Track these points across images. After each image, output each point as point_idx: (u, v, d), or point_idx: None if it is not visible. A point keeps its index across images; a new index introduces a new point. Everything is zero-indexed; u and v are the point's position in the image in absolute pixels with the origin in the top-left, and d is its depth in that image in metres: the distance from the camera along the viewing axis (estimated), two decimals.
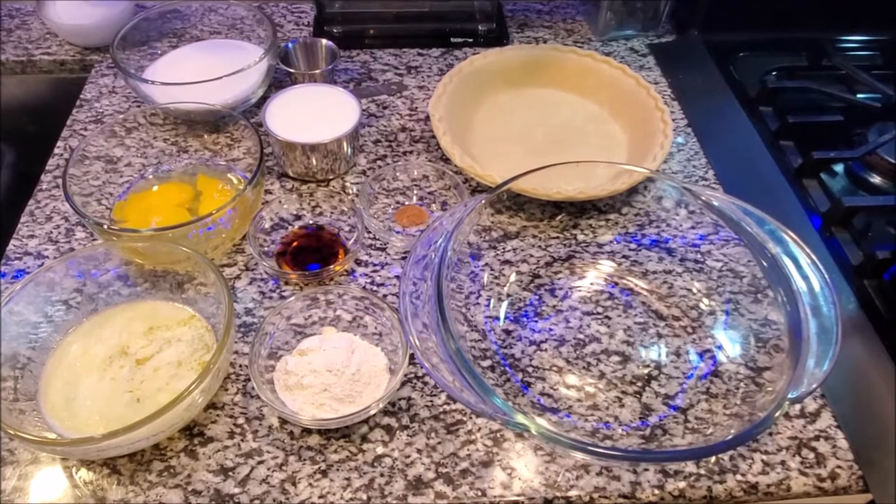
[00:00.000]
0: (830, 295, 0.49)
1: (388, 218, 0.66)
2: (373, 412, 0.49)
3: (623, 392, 0.53)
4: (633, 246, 0.63)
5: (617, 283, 0.61)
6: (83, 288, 0.54)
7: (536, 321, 0.58)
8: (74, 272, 0.53)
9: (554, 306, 0.59)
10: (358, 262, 0.61)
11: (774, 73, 0.84)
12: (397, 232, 0.64)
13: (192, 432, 0.50)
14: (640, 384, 0.54)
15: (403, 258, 0.62)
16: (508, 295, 0.60)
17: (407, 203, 0.67)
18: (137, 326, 0.53)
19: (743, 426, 0.46)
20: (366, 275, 0.60)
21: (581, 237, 0.64)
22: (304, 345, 0.52)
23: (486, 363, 0.54)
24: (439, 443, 0.50)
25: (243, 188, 0.57)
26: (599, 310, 0.59)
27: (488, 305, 0.59)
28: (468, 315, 0.57)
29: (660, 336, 0.57)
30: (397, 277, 0.60)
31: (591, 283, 0.61)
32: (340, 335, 0.53)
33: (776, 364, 0.51)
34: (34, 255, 0.61)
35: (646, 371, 0.54)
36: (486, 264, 0.61)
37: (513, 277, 0.61)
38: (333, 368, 0.50)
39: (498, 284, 0.60)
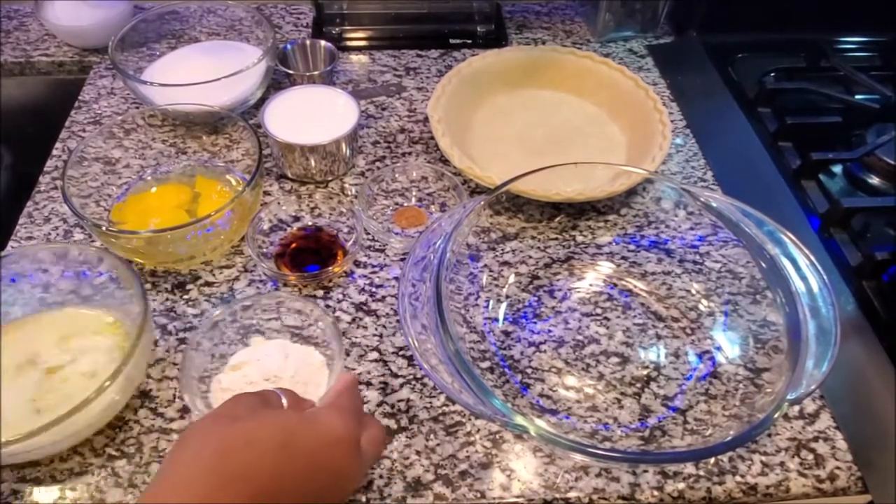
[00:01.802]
0: (829, 296, 0.49)
1: (386, 219, 0.65)
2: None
3: (622, 393, 0.53)
4: (631, 247, 0.63)
5: (616, 285, 0.61)
6: None
7: (535, 322, 0.58)
8: None
9: (553, 307, 0.59)
10: (357, 264, 0.61)
11: (773, 74, 0.84)
12: (396, 233, 0.64)
13: None
14: (639, 385, 0.53)
15: (402, 259, 0.62)
16: (507, 296, 0.60)
17: (406, 204, 0.67)
18: (50, 335, 0.51)
19: (742, 427, 0.46)
20: (364, 276, 0.60)
21: (580, 238, 0.64)
22: (235, 360, 0.52)
23: (485, 364, 0.54)
24: (438, 444, 0.50)
25: (242, 189, 0.57)
26: (598, 311, 0.59)
27: (487, 307, 0.59)
28: (467, 316, 0.57)
29: (659, 337, 0.57)
30: (396, 279, 0.60)
31: (590, 285, 0.61)
32: (271, 342, 0.53)
33: (775, 365, 0.51)
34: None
35: (645, 372, 0.54)
36: (485, 265, 0.61)
37: (512, 279, 0.61)
38: (270, 376, 0.49)
39: (497, 286, 0.60)
